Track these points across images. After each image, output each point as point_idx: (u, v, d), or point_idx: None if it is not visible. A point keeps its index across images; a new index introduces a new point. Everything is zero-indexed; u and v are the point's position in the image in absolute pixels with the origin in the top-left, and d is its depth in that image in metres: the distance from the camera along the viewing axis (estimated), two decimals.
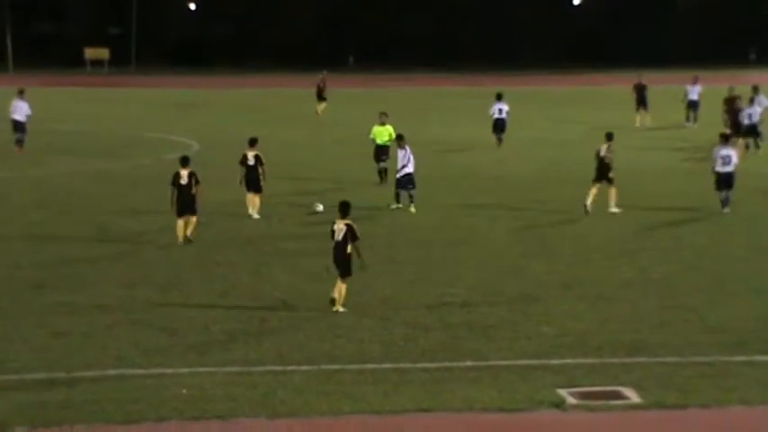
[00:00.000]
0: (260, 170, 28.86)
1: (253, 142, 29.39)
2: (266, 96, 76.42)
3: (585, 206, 28.78)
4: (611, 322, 19.12)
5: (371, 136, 35.47)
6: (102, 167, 39.11)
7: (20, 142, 42.94)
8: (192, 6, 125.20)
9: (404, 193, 30.51)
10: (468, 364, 16.84)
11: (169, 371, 16.46)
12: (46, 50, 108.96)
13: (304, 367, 16.63)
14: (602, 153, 29.65)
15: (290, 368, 16.58)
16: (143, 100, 72.28)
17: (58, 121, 55.31)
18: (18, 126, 43.08)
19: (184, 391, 15.59)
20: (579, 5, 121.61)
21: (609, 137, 29.94)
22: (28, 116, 43.26)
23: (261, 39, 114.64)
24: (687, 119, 53.03)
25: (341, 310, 19.59)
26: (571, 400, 15.32)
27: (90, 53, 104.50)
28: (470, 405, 15.13)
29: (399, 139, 31.43)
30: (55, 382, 15.96)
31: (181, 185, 25.86)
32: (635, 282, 22.00)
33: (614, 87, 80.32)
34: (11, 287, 21.43)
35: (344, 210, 20.11)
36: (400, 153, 30.95)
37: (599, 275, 22.61)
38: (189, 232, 25.89)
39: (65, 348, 17.48)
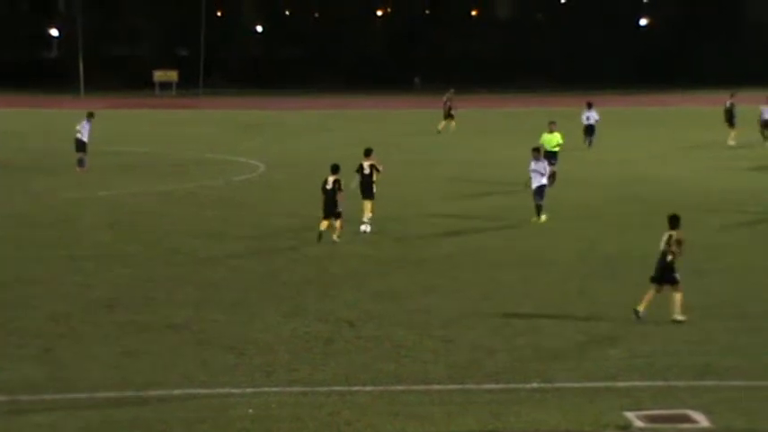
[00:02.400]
0: (374, 178, 30.40)
1: (368, 152, 30.96)
2: (332, 117, 76.74)
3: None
4: (679, 345, 18.97)
5: (540, 142, 37.48)
6: (170, 188, 39.50)
7: (82, 162, 43.51)
8: (259, 28, 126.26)
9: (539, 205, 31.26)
10: (534, 385, 16.78)
11: (235, 390, 16.57)
12: (116, 73, 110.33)
13: (369, 388, 16.67)
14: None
15: (354, 388, 16.63)
16: (210, 121, 72.92)
17: (126, 143, 55.97)
18: (80, 145, 43.64)
19: (250, 411, 15.69)
20: (645, 25, 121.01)
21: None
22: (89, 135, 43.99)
23: (327, 59, 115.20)
24: (765, 138, 52.66)
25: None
26: (638, 424, 15.20)
27: (159, 75, 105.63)
28: (536, 427, 15.07)
29: (536, 151, 32.14)
30: (124, 401, 16.14)
31: (326, 190, 28.19)
32: (703, 304, 21.78)
33: (685, 107, 79.91)
34: (82, 307, 21.71)
35: (674, 222, 21.12)
36: (536, 165, 31.49)
37: (666, 297, 22.40)
38: (335, 236, 28.00)
39: (134, 367, 17.67)
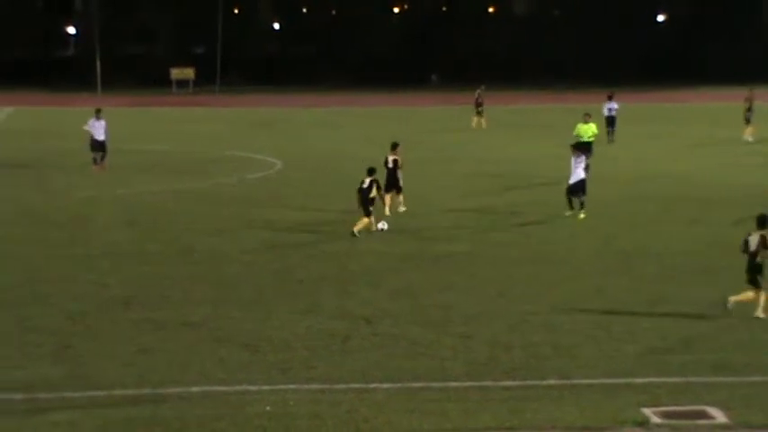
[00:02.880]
0: (398, 173, 31.81)
1: (394, 146, 32.42)
2: (348, 115, 76.79)
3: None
4: (696, 341, 18.93)
5: (575, 133, 40.63)
6: (186, 186, 39.57)
7: (96, 161, 43.52)
8: (276, 25, 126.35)
9: (575, 200, 31.37)
10: (551, 382, 16.77)
11: (252, 388, 16.59)
12: (132, 71, 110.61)
13: (386, 385, 16.67)
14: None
15: (372, 386, 16.63)
16: (227, 119, 73.03)
17: (143, 141, 56.11)
18: (97, 145, 43.69)
19: (268, 408, 15.70)
20: (663, 22, 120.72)
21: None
22: (107, 133, 44.02)
23: (343, 57, 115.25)
24: None
25: None
26: (655, 420, 15.18)
27: (175, 73, 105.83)
28: (553, 424, 15.06)
29: (574, 147, 32.66)
30: (141, 399, 16.17)
31: (362, 189, 29.08)
32: (718, 299, 21.72)
33: (700, 104, 79.71)
34: (98, 304, 21.77)
35: (762, 222, 20.55)
36: (576, 161, 31.78)
37: (682, 294, 22.39)
38: (356, 228, 28.50)
39: (150, 365, 17.72)
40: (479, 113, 63.17)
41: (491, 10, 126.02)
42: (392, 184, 31.79)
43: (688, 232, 29.35)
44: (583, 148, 36.35)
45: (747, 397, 15.99)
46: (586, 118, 42.61)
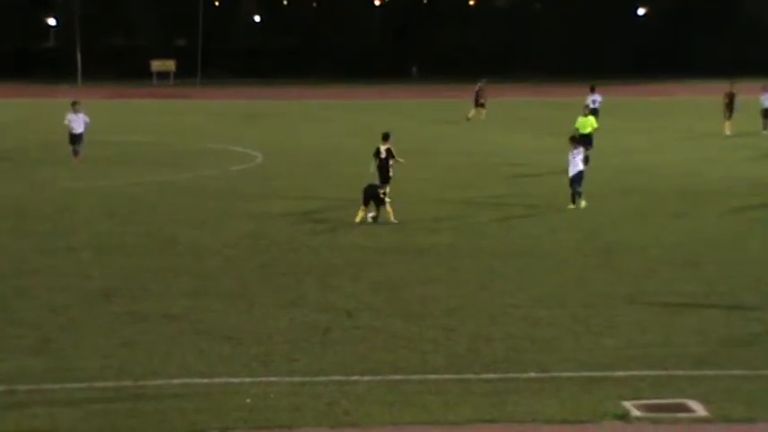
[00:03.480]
0: (390, 162, 31.41)
1: (386, 137, 31.90)
2: (331, 107, 76.74)
3: None
4: (677, 334, 18.98)
5: (576, 126, 41.30)
6: (168, 178, 39.49)
7: (76, 153, 43.32)
8: (257, 18, 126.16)
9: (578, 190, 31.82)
10: (532, 375, 16.79)
11: (233, 380, 16.57)
12: (113, 63, 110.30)
13: (367, 378, 16.68)
14: None
15: (353, 378, 16.63)
16: (208, 111, 72.91)
17: (124, 133, 55.98)
18: (75, 138, 43.38)
19: (248, 400, 15.69)
20: (644, 15, 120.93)
21: None
22: (87, 125, 43.69)
23: (325, 49, 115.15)
24: (764, 127, 53.22)
25: None
26: (636, 413, 15.22)
27: (156, 65, 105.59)
28: (533, 417, 15.08)
29: (573, 140, 33.01)
30: (122, 391, 16.14)
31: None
32: (700, 293, 21.82)
33: (684, 97, 79.88)
34: (80, 297, 21.71)
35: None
36: (574, 153, 32.06)
37: (664, 287, 22.46)
38: (357, 219, 29.22)
39: (131, 358, 17.68)
40: (481, 105, 64.08)
41: (472, 3, 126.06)
42: (384, 175, 31.54)
43: (672, 225, 29.43)
44: (583, 140, 37.42)
45: (728, 390, 16.04)
46: (585, 111, 43.38)
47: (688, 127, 58.59)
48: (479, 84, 64.94)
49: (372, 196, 29.76)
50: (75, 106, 44.10)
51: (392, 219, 29.53)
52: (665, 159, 44.31)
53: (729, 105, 53.83)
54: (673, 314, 20.28)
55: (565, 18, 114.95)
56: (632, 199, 33.83)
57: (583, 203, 31.79)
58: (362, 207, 29.63)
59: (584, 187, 32.09)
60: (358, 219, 29.37)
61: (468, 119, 62.72)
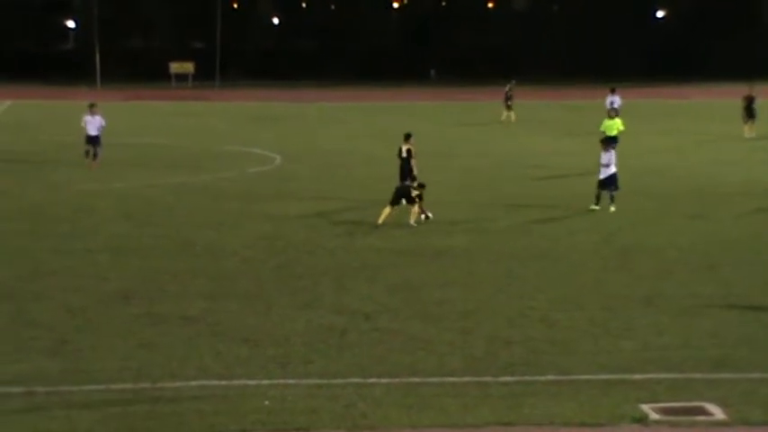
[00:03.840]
0: (411, 162, 31.67)
1: (408, 137, 32.23)
2: (348, 110, 76.76)
3: None
4: (694, 337, 18.92)
5: (602, 128, 41.12)
6: (185, 180, 39.55)
7: (92, 155, 42.97)
8: (276, 20, 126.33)
9: (605, 194, 31.67)
10: (550, 378, 16.76)
11: (251, 382, 16.58)
12: (132, 65, 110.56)
13: (384, 380, 16.67)
14: None
15: (370, 381, 16.62)
16: (226, 113, 73.00)
17: (142, 135, 56.08)
18: (90, 140, 43.27)
19: (266, 402, 15.70)
20: (663, 17, 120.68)
21: None
22: (101, 128, 43.57)
23: (343, 52, 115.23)
24: None
25: None
26: (654, 416, 15.18)
27: (175, 67, 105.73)
28: (551, 419, 15.06)
29: (604, 142, 33.02)
30: (139, 393, 16.16)
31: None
32: (717, 296, 21.74)
33: (700, 100, 79.59)
34: (97, 298, 21.75)
35: None
36: (605, 155, 32.04)
37: (681, 289, 22.39)
38: (412, 220, 29.23)
39: (149, 359, 17.70)
40: (509, 107, 64.25)
41: (490, 5, 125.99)
42: (406, 174, 31.47)
43: (689, 228, 29.35)
44: (608, 142, 37.47)
45: (746, 393, 15.99)
46: (611, 113, 43.21)
47: (705, 129, 58.45)
48: (509, 85, 65.23)
49: (403, 194, 29.59)
50: (92, 108, 44.07)
51: (412, 221, 29.41)
52: (683, 161, 44.21)
53: (748, 108, 53.68)
54: (690, 317, 20.22)
55: (581, 20, 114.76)
56: (650, 201, 33.74)
57: (612, 208, 31.59)
58: (389, 206, 29.46)
59: (591, 189, 32.02)
60: (381, 219, 29.19)
61: (501, 121, 63.05)
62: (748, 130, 52.93)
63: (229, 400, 15.79)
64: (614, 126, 41.59)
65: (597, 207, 31.77)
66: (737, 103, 56.35)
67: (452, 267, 24.54)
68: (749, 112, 53.57)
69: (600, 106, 56.58)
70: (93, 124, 43.46)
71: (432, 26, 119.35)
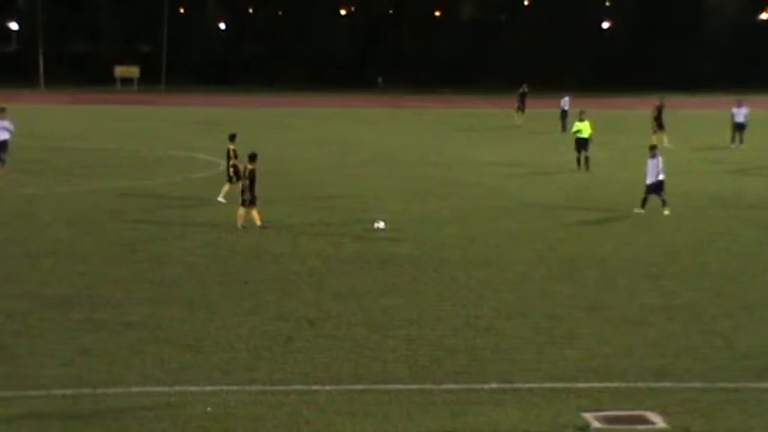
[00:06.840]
0: (231, 162, 33.60)
1: (233, 137, 34.25)
2: (295, 115, 76.62)
3: None
4: (637, 346, 19.04)
5: (574, 129, 43.85)
6: (129, 185, 39.27)
7: (2, 161, 42.09)
8: (222, 25, 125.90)
9: (655, 198, 32.64)
10: (493, 386, 16.79)
11: (194, 389, 16.47)
12: (77, 68, 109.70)
13: (329, 387, 16.63)
14: None
15: (314, 387, 16.58)
16: (172, 118, 72.62)
17: (86, 139, 55.64)
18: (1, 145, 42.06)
19: (209, 409, 15.60)
20: (609, 28, 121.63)
21: None
22: (11, 133, 42.40)
23: (291, 58, 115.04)
24: (732, 140, 53.58)
25: None
26: (596, 424, 15.25)
27: (120, 71, 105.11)
28: (495, 427, 15.08)
29: (652, 149, 33.75)
30: (80, 399, 16.00)
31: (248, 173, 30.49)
32: (660, 306, 21.90)
33: (646, 110, 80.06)
34: (38, 304, 21.52)
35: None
36: (652, 162, 32.86)
37: (624, 299, 22.53)
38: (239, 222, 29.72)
39: (90, 365, 17.54)
40: (519, 110, 66.77)
41: (437, 14, 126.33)
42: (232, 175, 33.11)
43: (633, 238, 29.54)
44: (582, 143, 40.68)
45: (688, 402, 16.11)
46: (582, 116, 44.27)
47: (647, 140, 58.68)
48: (521, 89, 67.42)
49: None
50: (1, 113, 42.99)
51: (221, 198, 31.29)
52: (625, 172, 44.41)
53: (658, 118, 53.72)
54: (633, 326, 20.34)
55: (529, 30, 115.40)
56: (593, 211, 33.93)
57: (666, 211, 32.55)
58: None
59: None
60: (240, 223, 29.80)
61: (519, 126, 64.66)
62: (666, 140, 52.36)
63: (172, 407, 15.67)
64: (585, 128, 43.20)
65: (642, 211, 32.62)
66: (682, 114, 56.72)
67: (398, 275, 24.54)
68: (659, 123, 53.43)
69: (553, 114, 57.33)
70: (2, 129, 42.20)
71: (379, 33, 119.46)
